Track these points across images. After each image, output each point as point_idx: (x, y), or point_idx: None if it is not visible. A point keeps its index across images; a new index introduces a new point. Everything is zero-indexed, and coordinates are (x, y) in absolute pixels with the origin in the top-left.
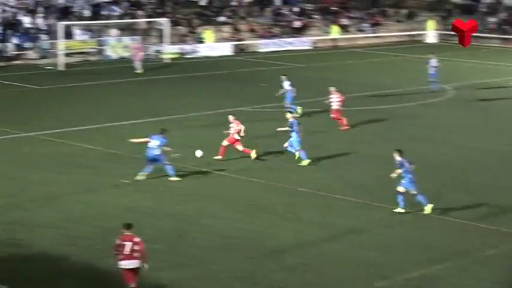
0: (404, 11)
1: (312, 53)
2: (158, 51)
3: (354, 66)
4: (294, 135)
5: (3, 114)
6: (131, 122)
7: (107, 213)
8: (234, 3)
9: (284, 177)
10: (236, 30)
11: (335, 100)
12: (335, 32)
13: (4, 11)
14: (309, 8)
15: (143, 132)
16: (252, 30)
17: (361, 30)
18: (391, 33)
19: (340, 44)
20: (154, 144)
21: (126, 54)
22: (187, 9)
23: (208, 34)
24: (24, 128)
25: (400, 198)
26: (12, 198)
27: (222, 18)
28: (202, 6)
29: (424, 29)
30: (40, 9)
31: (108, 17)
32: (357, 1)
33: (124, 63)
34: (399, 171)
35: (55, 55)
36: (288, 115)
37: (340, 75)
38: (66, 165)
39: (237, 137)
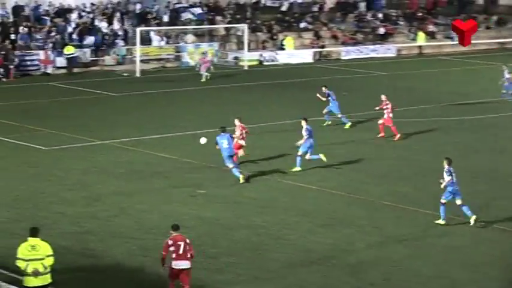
0: (494, 18)
1: (397, 60)
2: (237, 58)
3: (440, 74)
4: (308, 141)
5: (79, 121)
6: (206, 130)
7: (182, 224)
8: (315, 8)
9: (364, 189)
10: (317, 36)
11: (386, 108)
12: (421, 39)
13: (81, 16)
14: (394, 14)
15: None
16: (334, 37)
17: (448, 37)
18: (480, 40)
19: (426, 51)
20: (225, 144)
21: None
22: (267, 15)
23: (288, 41)
24: (100, 135)
25: (441, 210)
26: (86, 208)
27: (303, 25)
28: (282, 12)
29: None
30: (117, 14)
31: (185, 23)
32: (444, 7)
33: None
34: (448, 178)
35: (132, 61)
36: (303, 122)
37: (426, 84)
38: (141, 174)
39: (241, 142)
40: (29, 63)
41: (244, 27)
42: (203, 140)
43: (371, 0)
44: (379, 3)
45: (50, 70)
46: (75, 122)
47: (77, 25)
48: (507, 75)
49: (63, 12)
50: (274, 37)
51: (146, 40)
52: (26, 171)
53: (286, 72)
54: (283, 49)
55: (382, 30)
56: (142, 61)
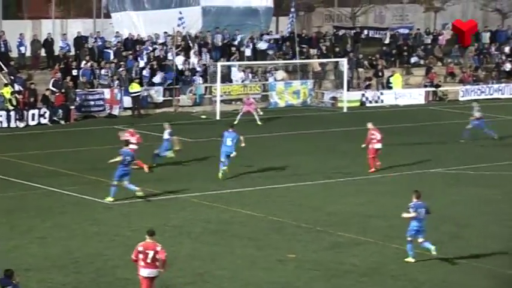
0: None
1: None
2: (334, 98)
3: None
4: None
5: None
6: (298, 183)
7: None
8: (428, 40)
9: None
10: (431, 73)
11: (374, 138)
12: None
13: (154, 49)
14: None
15: (308, 193)
16: (450, 74)
17: None
18: None
19: None
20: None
21: (294, 101)
22: (370, 48)
23: (396, 78)
24: (173, 188)
25: (408, 247)
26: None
27: (413, 59)
28: (387, 45)
29: None
30: (195, 46)
31: (272, 58)
32: None
33: (293, 112)
34: (411, 214)
35: (211, 101)
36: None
37: None
38: (221, 235)
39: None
40: (92, 103)
41: (343, 62)
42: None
43: (495, 30)
44: (505, 34)
45: (116, 111)
46: (143, 172)
47: (148, 59)
48: (477, 114)
49: (132, 44)
50: (379, 74)
51: (227, 77)
52: (88, 230)
53: (393, 115)
54: (390, 88)
55: (508, 66)
56: (223, 101)
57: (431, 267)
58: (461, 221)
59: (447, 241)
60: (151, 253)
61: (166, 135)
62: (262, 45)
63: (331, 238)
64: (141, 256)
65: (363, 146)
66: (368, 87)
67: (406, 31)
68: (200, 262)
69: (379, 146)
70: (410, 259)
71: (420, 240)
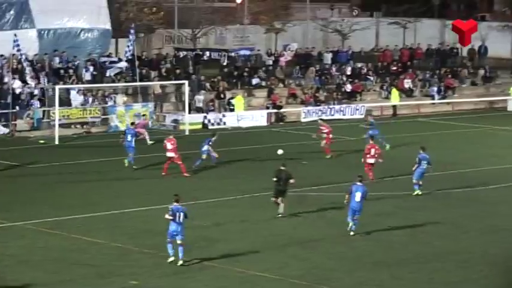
0: (481, 72)
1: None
2: (176, 121)
3: (418, 138)
4: None
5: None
6: (135, 209)
7: None
8: (269, 62)
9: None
10: (273, 95)
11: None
12: (395, 97)
13: None
14: (363, 68)
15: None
16: (292, 95)
17: (427, 96)
18: (465, 98)
19: (401, 112)
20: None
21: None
22: (212, 70)
23: (238, 100)
24: (11, 216)
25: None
26: None
27: (255, 81)
28: (229, 66)
29: (507, 94)
30: (29, 69)
31: (113, 80)
32: (422, 59)
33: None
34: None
35: (49, 126)
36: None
37: (402, 151)
38: (61, 263)
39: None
40: None
41: (184, 84)
42: (280, 152)
43: (336, 51)
44: (346, 55)
45: None
46: None
47: None
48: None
49: None
50: (221, 96)
51: (66, 101)
52: None
53: (235, 137)
54: (232, 110)
55: (349, 87)
56: (62, 125)
57: None
58: (307, 243)
59: (291, 263)
60: None
61: None
62: (113, 71)
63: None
64: None
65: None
66: (210, 109)
67: (247, 52)
68: None
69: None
70: (171, 258)
71: (178, 241)
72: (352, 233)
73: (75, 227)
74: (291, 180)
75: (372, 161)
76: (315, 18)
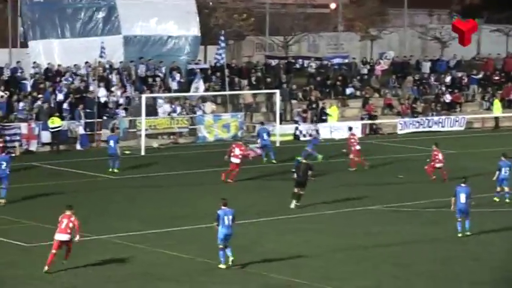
0: None
1: (467, 135)
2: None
3: None
4: None
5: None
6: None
7: None
8: (364, 70)
9: None
10: (368, 105)
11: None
12: (497, 108)
13: (73, 80)
14: (464, 78)
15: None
16: (388, 106)
17: None
18: None
19: (504, 124)
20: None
21: (224, 135)
22: (304, 79)
23: (333, 110)
24: (94, 228)
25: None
26: None
27: (349, 90)
28: (322, 75)
29: None
30: (116, 77)
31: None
32: None
33: (223, 147)
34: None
35: (135, 136)
36: None
37: None
38: (145, 278)
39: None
40: (8, 138)
41: (276, 93)
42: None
43: (435, 60)
44: (446, 64)
45: (34, 147)
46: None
47: (68, 91)
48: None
49: (51, 75)
50: (313, 106)
51: (153, 110)
52: (1, 273)
53: (328, 149)
54: (324, 120)
55: (448, 98)
56: (148, 135)
57: None
58: (402, 261)
59: (386, 281)
60: (65, 221)
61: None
62: (200, 86)
63: (263, 280)
64: (60, 224)
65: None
66: (302, 119)
67: (341, 60)
68: None
69: (440, 165)
70: (221, 265)
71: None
72: (468, 233)
73: (160, 240)
74: (310, 172)
75: (439, 165)
76: (413, 25)
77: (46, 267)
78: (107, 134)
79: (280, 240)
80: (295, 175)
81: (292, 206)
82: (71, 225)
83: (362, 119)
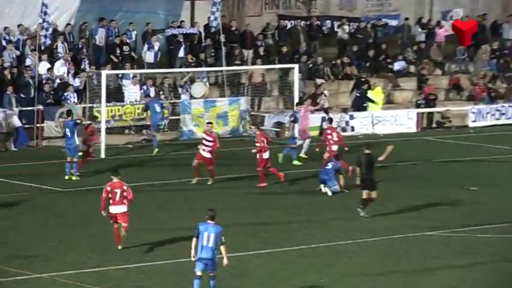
0: None
1: None
2: (280, 124)
3: None
4: None
5: (15, 237)
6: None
7: None
8: (421, 37)
9: None
10: (426, 86)
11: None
12: None
13: (1, 52)
14: None
15: None
16: (454, 87)
17: None
18: None
19: None
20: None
21: (220, 129)
22: (334, 48)
23: (376, 93)
24: (33, 264)
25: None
26: None
27: (398, 65)
28: (359, 43)
29: None
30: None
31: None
32: None
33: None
34: None
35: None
36: None
37: None
38: None
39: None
40: None
41: (293, 68)
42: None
43: None
44: None
45: None
46: None
47: None
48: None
49: None
50: (353, 88)
51: (117, 93)
52: None
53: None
54: (364, 108)
55: None
56: (110, 130)
57: None
58: None
59: None
60: (118, 192)
61: None
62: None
63: None
64: (109, 196)
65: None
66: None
67: (389, 22)
68: None
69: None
70: None
71: (210, 274)
72: None
73: (126, 280)
74: (381, 158)
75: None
76: None
77: (119, 246)
78: (51, 127)
79: (301, 279)
80: (357, 170)
81: (362, 214)
82: (125, 194)
83: (417, 106)
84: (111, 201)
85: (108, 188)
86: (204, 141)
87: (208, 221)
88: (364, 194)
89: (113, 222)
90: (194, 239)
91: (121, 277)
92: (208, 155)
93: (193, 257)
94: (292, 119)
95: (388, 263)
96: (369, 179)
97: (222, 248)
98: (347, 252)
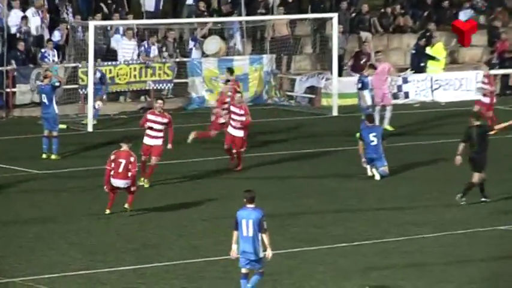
0: None
1: None
2: (314, 90)
3: None
4: None
5: None
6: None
7: None
8: None
9: None
10: (499, 41)
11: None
12: None
13: None
14: None
15: None
16: None
17: None
18: None
19: None
20: None
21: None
22: None
23: (437, 50)
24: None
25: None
26: None
27: (464, 14)
28: None
29: None
30: None
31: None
32: None
33: None
34: None
35: (76, 97)
36: None
37: None
38: None
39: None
40: None
41: (332, 19)
42: None
43: None
44: None
45: None
46: None
47: None
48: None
49: None
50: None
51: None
52: None
53: (425, 122)
54: (421, 69)
55: None
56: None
57: None
58: None
59: None
60: (123, 162)
61: None
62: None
63: None
64: (112, 165)
65: None
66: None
67: None
68: None
69: None
70: None
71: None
72: None
73: (121, 283)
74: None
75: None
76: None
77: (107, 210)
78: (23, 92)
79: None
80: (460, 147)
81: (463, 203)
82: (130, 167)
83: (489, 65)
84: (113, 172)
85: (112, 157)
86: (232, 116)
87: (247, 205)
88: (476, 177)
89: (109, 192)
90: (235, 233)
91: (113, 282)
92: (240, 133)
93: (234, 252)
94: (359, 85)
95: (451, 265)
96: (481, 157)
97: (264, 236)
98: (398, 252)
